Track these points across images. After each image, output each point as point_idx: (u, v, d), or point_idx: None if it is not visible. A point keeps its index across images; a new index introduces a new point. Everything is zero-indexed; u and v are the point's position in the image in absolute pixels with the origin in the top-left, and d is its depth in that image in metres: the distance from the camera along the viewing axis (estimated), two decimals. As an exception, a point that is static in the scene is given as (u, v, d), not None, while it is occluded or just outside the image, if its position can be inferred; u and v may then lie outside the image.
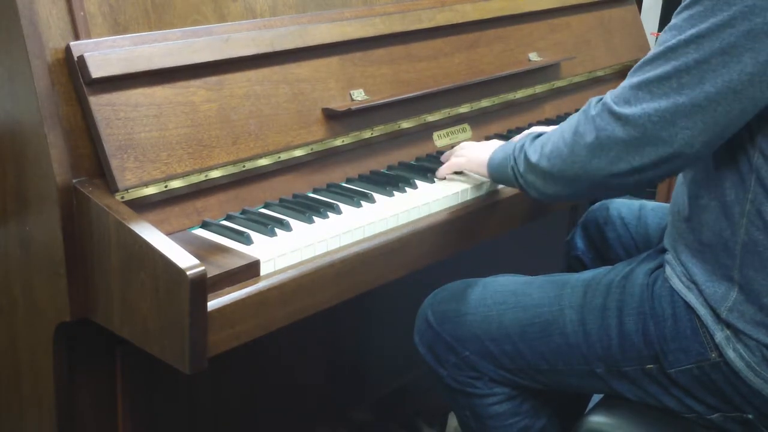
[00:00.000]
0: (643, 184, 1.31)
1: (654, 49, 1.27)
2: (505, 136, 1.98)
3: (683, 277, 1.36)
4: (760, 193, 1.26)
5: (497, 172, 1.54)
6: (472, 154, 1.64)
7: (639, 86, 1.25)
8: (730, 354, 1.31)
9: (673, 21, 1.26)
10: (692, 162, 1.28)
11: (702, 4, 1.20)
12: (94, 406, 1.51)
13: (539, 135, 1.45)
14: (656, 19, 3.77)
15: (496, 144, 1.61)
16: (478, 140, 1.94)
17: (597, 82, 2.32)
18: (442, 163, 1.78)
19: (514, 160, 1.46)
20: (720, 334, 1.31)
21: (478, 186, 1.69)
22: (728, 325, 1.31)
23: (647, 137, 1.24)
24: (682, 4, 1.25)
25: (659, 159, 1.25)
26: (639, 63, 1.29)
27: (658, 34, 3.19)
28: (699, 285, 1.34)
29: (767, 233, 1.26)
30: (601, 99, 1.33)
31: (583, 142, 1.31)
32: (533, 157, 1.40)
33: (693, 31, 1.21)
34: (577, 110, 2.19)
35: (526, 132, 1.56)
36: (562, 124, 1.40)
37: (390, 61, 1.79)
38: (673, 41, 1.23)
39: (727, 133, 1.24)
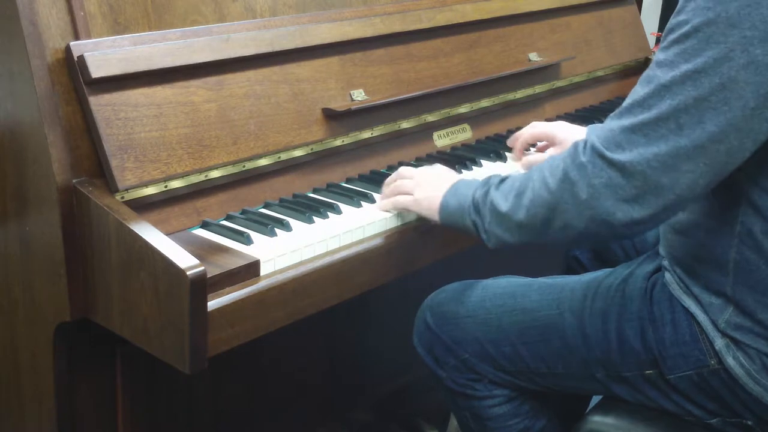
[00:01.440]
0: (634, 235, 1.22)
1: (642, 86, 1.18)
2: (505, 136, 1.98)
3: (681, 284, 1.36)
4: (750, 213, 1.23)
5: (451, 220, 1.43)
6: (421, 195, 1.49)
7: (632, 129, 1.16)
8: (730, 361, 1.30)
9: (662, 56, 1.16)
10: (690, 204, 1.21)
11: (696, 37, 1.12)
12: (94, 406, 1.51)
13: (504, 179, 1.35)
14: (656, 19, 3.77)
15: (445, 178, 1.49)
16: (478, 140, 1.95)
17: (597, 82, 2.32)
18: (443, 163, 1.77)
19: (476, 211, 1.36)
20: (720, 341, 1.31)
21: (478, 186, 1.69)
22: (727, 335, 1.30)
23: (648, 185, 1.15)
24: (671, 38, 1.15)
25: (661, 208, 1.17)
26: (628, 103, 1.19)
27: (658, 34, 3.18)
28: (696, 295, 1.33)
29: (758, 252, 1.24)
30: (586, 143, 1.21)
31: (574, 190, 1.20)
32: (503, 207, 1.30)
33: (688, 66, 1.12)
34: (576, 111, 2.20)
35: (483, 179, 1.41)
36: (535, 168, 1.29)
37: (390, 61, 1.79)
38: (667, 78, 1.14)
39: (726, 172, 1.17)
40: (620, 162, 1.17)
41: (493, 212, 1.32)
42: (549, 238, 1.27)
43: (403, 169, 1.57)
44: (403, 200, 1.53)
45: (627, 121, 1.18)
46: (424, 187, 1.50)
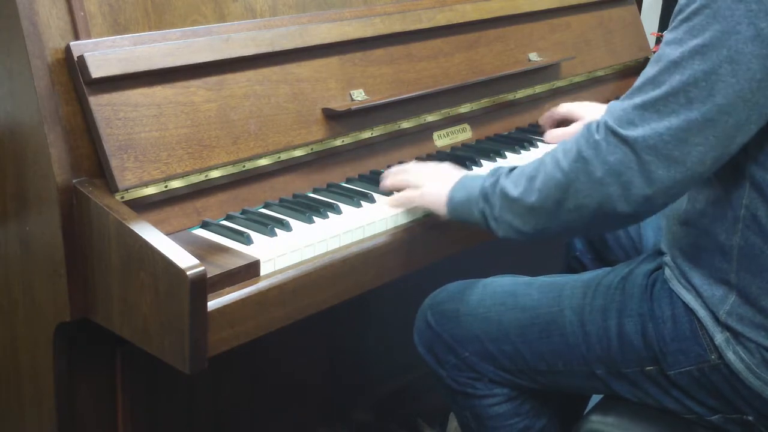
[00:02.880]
0: (648, 214, 1.24)
1: (652, 66, 1.21)
2: (505, 136, 1.98)
3: (682, 279, 1.36)
4: (755, 197, 1.25)
5: (458, 212, 1.43)
6: (427, 189, 1.50)
7: (644, 106, 1.20)
8: (730, 356, 1.30)
9: (670, 35, 1.20)
10: (699, 182, 1.24)
11: (703, 13, 1.16)
12: (94, 406, 1.51)
13: (512, 169, 1.37)
14: (656, 19, 3.77)
15: (450, 174, 1.50)
16: (478, 140, 1.95)
17: (597, 82, 2.32)
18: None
19: (485, 200, 1.36)
20: (720, 336, 1.31)
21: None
22: (728, 328, 1.31)
23: (659, 158, 1.18)
24: (680, 17, 1.20)
25: (672, 183, 1.19)
26: (639, 83, 1.23)
27: (658, 34, 3.18)
28: (697, 288, 1.33)
29: (763, 237, 1.25)
30: (599, 123, 1.25)
31: (588, 168, 1.23)
32: (514, 192, 1.31)
33: (697, 41, 1.16)
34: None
35: (490, 170, 1.42)
36: (547, 153, 1.32)
37: (390, 61, 1.79)
38: (676, 54, 1.18)
39: (735, 147, 1.20)
40: (633, 138, 1.19)
41: (504, 198, 1.33)
42: (561, 221, 1.28)
43: (410, 164, 1.58)
44: (409, 194, 1.53)
45: (639, 99, 1.21)
46: (431, 182, 1.51)
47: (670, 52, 1.19)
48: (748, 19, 1.14)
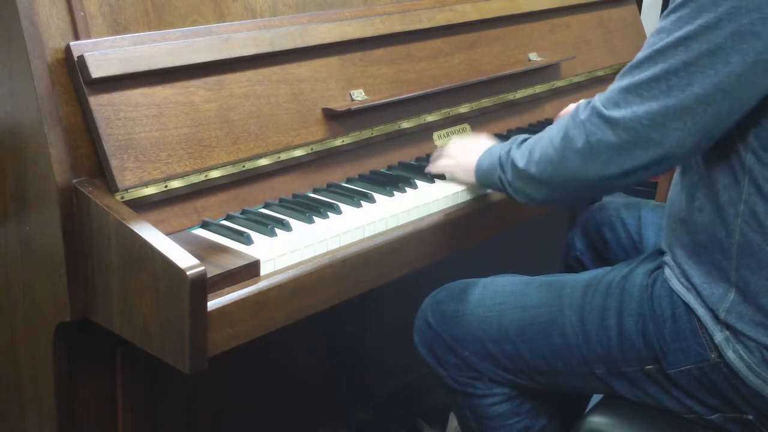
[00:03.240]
0: (633, 185, 1.32)
1: (642, 51, 1.27)
2: (505, 136, 1.98)
3: (682, 278, 1.36)
4: (753, 193, 1.26)
5: (485, 179, 1.54)
6: (461, 158, 1.63)
7: (628, 89, 1.25)
8: (730, 355, 1.31)
9: (661, 24, 1.25)
10: (682, 161, 1.29)
11: (689, 6, 1.20)
12: (94, 406, 1.51)
13: (525, 139, 1.45)
14: (656, 19, 3.77)
15: (484, 145, 1.59)
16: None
17: (597, 82, 2.32)
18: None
19: (501, 167, 1.46)
20: (719, 335, 1.31)
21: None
22: (727, 326, 1.31)
23: (638, 140, 1.24)
24: (670, 7, 1.24)
25: (650, 161, 1.25)
26: (627, 66, 1.28)
27: (658, 34, 3.19)
28: (697, 287, 1.34)
29: (762, 233, 1.26)
30: (589, 102, 1.32)
31: (573, 146, 1.31)
32: (520, 163, 1.40)
33: (681, 33, 1.20)
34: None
35: (510, 139, 1.53)
36: (549, 127, 1.40)
37: (390, 61, 1.80)
38: (661, 44, 1.23)
39: (717, 133, 1.24)
40: (614, 118, 1.26)
41: (513, 168, 1.43)
42: (557, 191, 1.37)
43: (453, 139, 1.72)
44: (445, 163, 1.67)
45: (624, 82, 1.27)
46: (464, 151, 1.63)
47: (657, 40, 1.24)
48: (729, 16, 1.17)
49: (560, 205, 1.50)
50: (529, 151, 1.39)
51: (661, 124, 1.23)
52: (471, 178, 1.59)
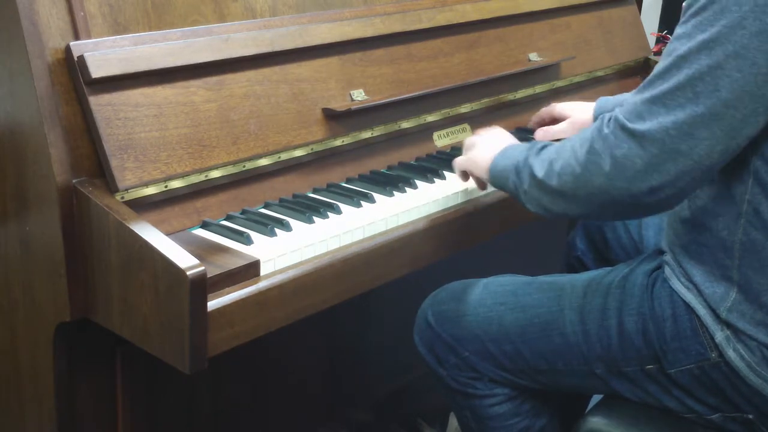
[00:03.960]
0: (661, 207, 1.26)
1: (663, 61, 1.23)
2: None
3: (682, 278, 1.36)
4: (757, 192, 1.26)
5: (497, 181, 1.49)
6: (477, 155, 1.56)
7: (652, 101, 1.21)
8: (730, 354, 1.31)
9: (680, 30, 1.22)
10: (708, 176, 1.24)
11: (711, 8, 1.17)
12: (94, 406, 1.51)
13: (544, 147, 1.40)
14: (656, 19, 3.77)
15: (501, 141, 1.55)
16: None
17: (597, 82, 2.32)
18: (443, 163, 1.78)
19: (517, 174, 1.41)
20: (720, 334, 1.31)
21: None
22: (728, 325, 1.31)
23: (666, 152, 1.20)
24: (689, 12, 1.21)
25: (679, 174, 1.20)
26: (650, 77, 1.25)
27: (658, 34, 3.18)
28: (698, 286, 1.34)
29: (765, 232, 1.26)
30: (611, 116, 1.27)
31: (598, 161, 1.26)
32: (539, 173, 1.35)
33: (704, 36, 1.17)
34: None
35: (529, 144, 1.46)
36: (572, 137, 1.35)
37: (390, 61, 1.79)
38: (684, 49, 1.19)
39: (742, 140, 1.20)
40: (640, 132, 1.21)
41: (531, 177, 1.37)
42: (578, 205, 1.32)
43: (475, 136, 1.64)
44: (460, 160, 1.61)
45: (648, 94, 1.22)
46: (481, 147, 1.56)
47: (678, 46, 1.20)
48: (754, 15, 1.14)
49: (578, 218, 1.43)
50: (550, 162, 1.34)
51: (689, 134, 1.18)
52: (483, 174, 1.54)
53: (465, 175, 1.63)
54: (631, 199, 1.25)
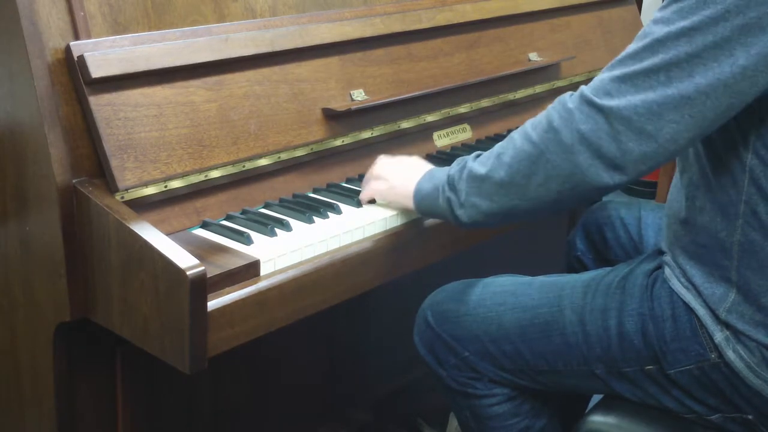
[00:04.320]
0: (616, 187, 1.24)
1: (637, 42, 1.21)
2: (504, 137, 1.98)
3: (682, 278, 1.36)
4: (754, 193, 1.25)
5: (425, 204, 1.43)
6: (397, 181, 1.49)
7: (622, 79, 1.20)
8: (730, 354, 1.31)
9: (660, 14, 1.21)
10: (669, 160, 1.23)
11: None
12: (94, 406, 1.51)
13: (479, 154, 1.36)
14: (656, 19, 3.76)
15: (420, 166, 1.49)
16: (478, 140, 1.95)
17: (597, 82, 2.31)
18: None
19: (452, 188, 1.35)
20: (719, 335, 1.31)
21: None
22: (727, 326, 1.31)
23: (632, 130, 1.18)
24: None
25: (642, 155, 1.19)
26: (621, 56, 1.23)
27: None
28: (697, 286, 1.33)
29: (763, 233, 1.26)
30: (572, 94, 1.26)
31: (558, 137, 1.23)
32: (481, 170, 1.31)
33: (684, 23, 1.16)
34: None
35: (458, 159, 1.41)
36: (515, 131, 1.32)
37: (390, 61, 1.79)
38: (661, 33, 1.18)
39: (710, 130, 1.21)
40: (607, 107, 1.19)
41: (471, 179, 1.32)
42: (530, 196, 1.28)
43: (380, 158, 1.57)
44: (376, 187, 1.53)
45: (618, 71, 1.21)
46: (400, 174, 1.50)
47: (656, 30, 1.19)
48: (737, 8, 1.14)
49: (511, 221, 1.33)
50: (495, 156, 1.30)
51: (657, 114, 1.17)
52: (408, 203, 1.47)
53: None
54: (590, 177, 1.22)
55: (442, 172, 1.41)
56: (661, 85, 1.17)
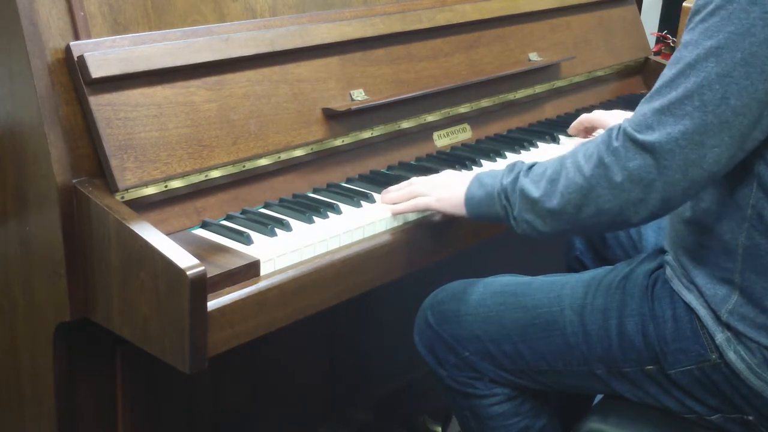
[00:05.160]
0: (667, 213, 1.26)
1: (670, 68, 1.22)
2: (504, 137, 1.98)
3: (683, 279, 1.36)
4: (761, 197, 1.25)
5: (480, 210, 1.44)
6: (441, 194, 1.51)
7: (661, 110, 1.20)
8: (731, 355, 1.30)
9: (687, 37, 1.20)
10: (715, 181, 1.24)
11: (718, 15, 1.16)
12: (94, 406, 1.51)
13: (530, 167, 1.37)
14: (656, 19, 3.77)
15: (458, 177, 1.52)
16: (478, 140, 1.95)
17: (597, 82, 2.32)
18: (443, 163, 1.78)
19: (506, 198, 1.37)
20: (720, 336, 1.31)
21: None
22: (729, 327, 1.31)
23: (677, 162, 1.19)
24: (695, 20, 1.20)
25: (688, 184, 1.20)
26: (657, 85, 1.23)
27: (658, 34, 3.19)
28: (699, 287, 1.33)
29: (768, 237, 1.26)
30: (620, 128, 1.25)
31: (609, 174, 1.23)
32: (535, 193, 1.32)
33: (711, 42, 1.16)
34: (577, 111, 2.20)
35: (507, 166, 1.42)
36: (568, 154, 1.32)
37: (390, 61, 1.79)
38: (691, 57, 1.18)
39: (749, 145, 1.20)
40: (650, 143, 1.20)
41: (524, 199, 1.34)
42: (580, 224, 1.30)
43: (413, 178, 1.59)
44: (423, 201, 1.53)
45: (657, 103, 1.21)
46: (443, 186, 1.52)
47: (686, 54, 1.19)
48: (763, 21, 1.13)
49: (576, 236, 1.37)
50: (548, 181, 1.31)
51: (699, 143, 1.17)
52: (459, 211, 1.48)
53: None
54: (642, 209, 1.24)
55: (494, 180, 1.41)
56: (697, 111, 1.17)
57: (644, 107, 1.23)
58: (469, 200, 1.45)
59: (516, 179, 1.36)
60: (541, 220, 1.32)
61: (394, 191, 1.58)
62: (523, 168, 1.38)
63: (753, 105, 1.16)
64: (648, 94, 1.25)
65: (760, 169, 1.24)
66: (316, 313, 1.42)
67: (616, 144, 1.24)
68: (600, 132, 1.84)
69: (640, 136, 1.21)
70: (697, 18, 1.19)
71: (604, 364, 1.42)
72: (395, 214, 1.55)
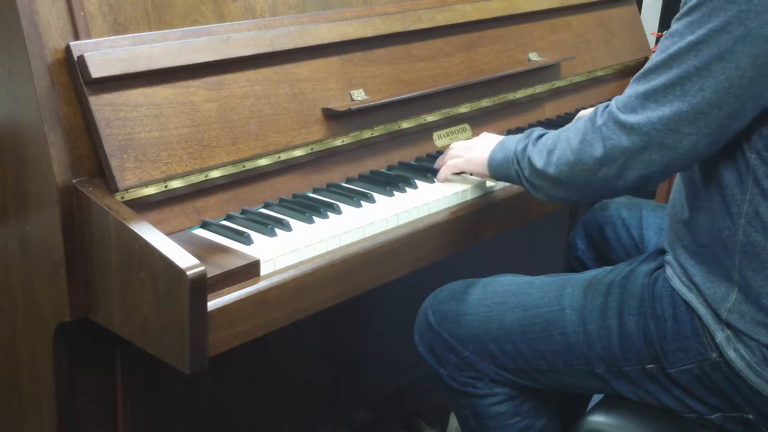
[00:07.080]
0: (646, 189, 1.34)
1: (656, 55, 1.27)
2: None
3: (683, 278, 1.36)
4: (757, 194, 1.26)
5: (499, 173, 1.55)
6: (471, 155, 1.63)
7: (645, 95, 1.26)
8: (731, 354, 1.31)
9: (674, 27, 1.25)
10: (697, 162, 1.31)
11: (699, 10, 1.20)
12: (94, 406, 1.51)
13: (541, 135, 1.45)
14: (656, 19, 3.77)
15: (492, 140, 1.61)
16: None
17: (597, 82, 2.32)
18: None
19: (518, 162, 1.47)
20: (720, 334, 1.31)
21: (478, 186, 1.69)
22: (729, 326, 1.31)
23: (652, 145, 1.26)
24: (682, 11, 1.24)
25: (665, 165, 1.27)
26: (643, 70, 1.29)
27: (658, 34, 3.18)
28: (699, 286, 1.34)
29: (765, 234, 1.26)
30: (607, 106, 1.33)
31: (590, 150, 1.32)
32: (538, 163, 1.41)
33: (692, 37, 1.21)
34: (577, 110, 2.20)
35: (525, 132, 1.54)
36: (568, 126, 1.40)
37: (390, 61, 1.79)
38: (674, 48, 1.23)
39: (730, 133, 1.24)
40: (629, 123, 1.27)
41: (530, 166, 1.44)
42: (575, 192, 1.39)
43: (454, 143, 1.71)
44: (455, 162, 1.66)
45: (642, 87, 1.28)
46: (475, 149, 1.63)
47: (670, 44, 1.25)
48: (738, 20, 1.17)
49: (579, 203, 1.44)
50: (548, 152, 1.40)
51: (674, 129, 1.24)
52: (485, 171, 1.59)
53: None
54: (620, 184, 1.31)
55: (512, 144, 1.52)
56: (677, 100, 1.23)
57: (631, 89, 1.30)
58: (491, 162, 1.56)
59: (525, 147, 1.46)
60: (549, 185, 1.41)
61: (439, 159, 1.72)
62: (533, 136, 1.47)
63: (729, 99, 1.20)
64: (637, 75, 1.31)
65: (755, 167, 1.25)
66: (316, 313, 1.42)
67: (599, 122, 1.32)
68: None
69: (623, 116, 1.28)
70: (684, 9, 1.24)
71: (604, 363, 1.42)
72: (439, 182, 1.69)
